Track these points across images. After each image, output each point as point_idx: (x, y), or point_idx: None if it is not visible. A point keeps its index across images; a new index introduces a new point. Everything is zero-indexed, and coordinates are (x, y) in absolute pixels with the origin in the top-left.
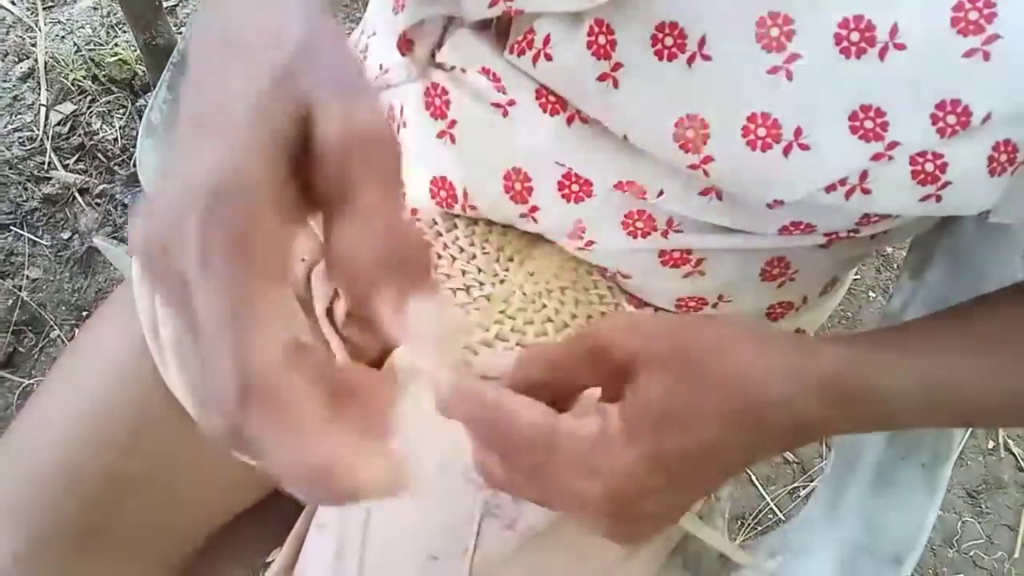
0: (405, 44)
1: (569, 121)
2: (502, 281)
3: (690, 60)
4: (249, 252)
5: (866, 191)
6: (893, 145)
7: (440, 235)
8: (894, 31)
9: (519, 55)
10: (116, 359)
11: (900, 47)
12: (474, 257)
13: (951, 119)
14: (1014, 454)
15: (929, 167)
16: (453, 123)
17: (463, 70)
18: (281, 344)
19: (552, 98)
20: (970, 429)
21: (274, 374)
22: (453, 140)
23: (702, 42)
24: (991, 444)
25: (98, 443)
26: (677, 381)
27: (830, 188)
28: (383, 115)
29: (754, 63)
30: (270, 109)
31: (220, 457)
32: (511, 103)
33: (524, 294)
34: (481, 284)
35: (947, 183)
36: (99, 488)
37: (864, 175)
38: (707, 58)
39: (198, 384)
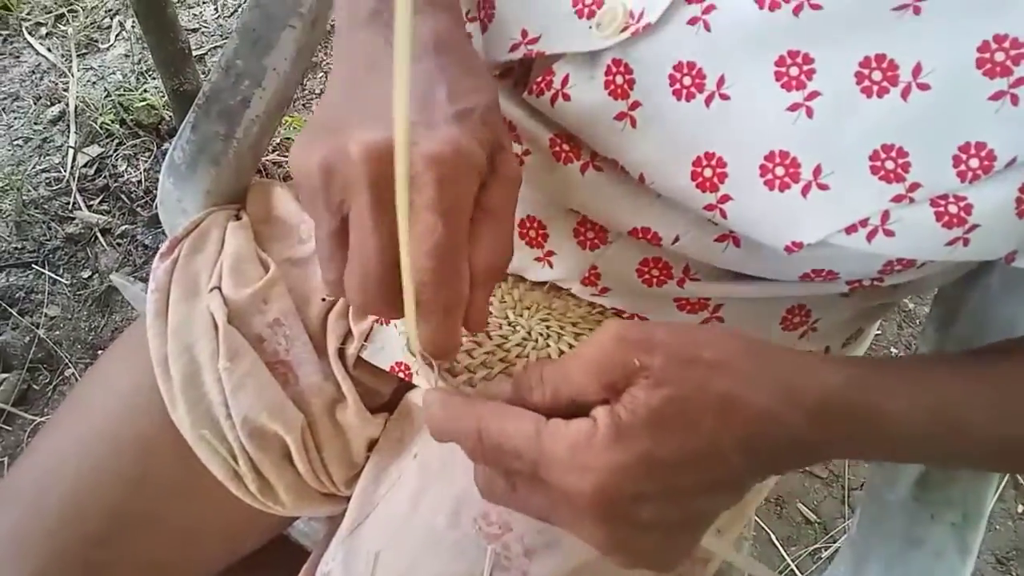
0: None
1: (583, 170)
2: (510, 323)
3: (708, 100)
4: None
5: (889, 233)
6: (914, 187)
7: None
8: (917, 70)
9: (538, 96)
10: (125, 395)
11: (923, 87)
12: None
13: (974, 163)
14: None
15: (953, 209)
16: None
17: None
18: None
19: (566, 147)
20: (999, 491)
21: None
22: None
23: (721, 81)
24: (1020, 508)
25: (104, 479)
26: (676, 393)
27: (851, 230)
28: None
29: (773, 101)
30: None
31: (225, 498)
32: (527, 153)
33: (528, 334)
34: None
35: (975, 226)
36: (103, 524)
37: (886, 216)
38: (725, 97)
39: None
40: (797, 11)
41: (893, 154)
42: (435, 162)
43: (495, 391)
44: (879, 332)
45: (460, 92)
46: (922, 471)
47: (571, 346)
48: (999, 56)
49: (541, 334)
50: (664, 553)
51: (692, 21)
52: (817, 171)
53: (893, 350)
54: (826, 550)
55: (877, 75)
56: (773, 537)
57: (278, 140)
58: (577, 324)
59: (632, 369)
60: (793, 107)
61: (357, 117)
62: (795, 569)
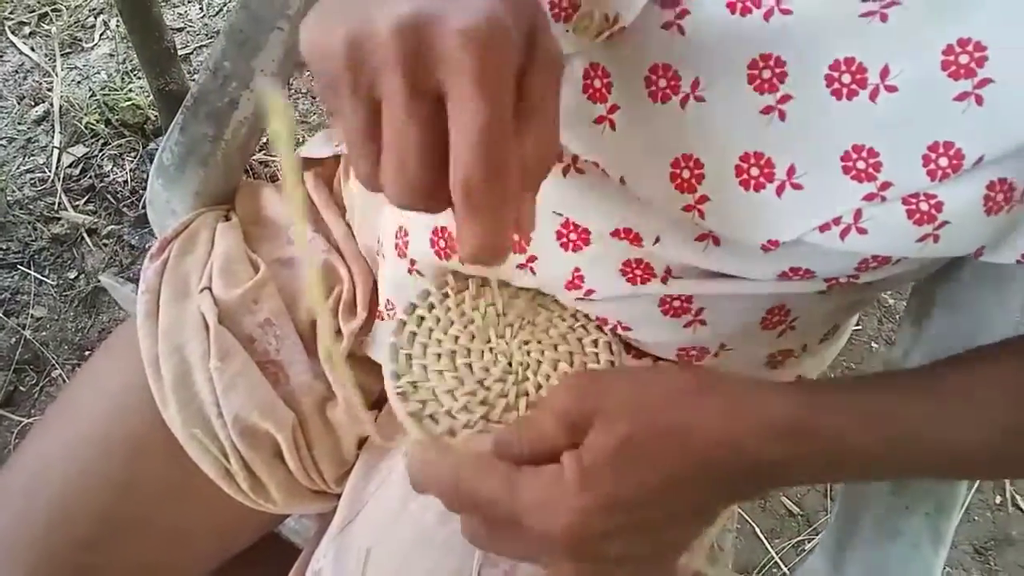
0: None
1: (565, 172)
2: (491, 349)
3: (683, 101)
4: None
5: (862, 231)
6: (886, 186)
7: (447, 296)
8: (885, 73)
9: None
10: (116, 395)
11: (891, 89)
12: (472, 322)
13: (943, 161)
14: (1022, 509)
15: (924, 207)
16: None
17: None
18: None
19: None
20: (976, 482)
21: None
22: None
23: (696, 83)
24: (999, 499)
25: (93, 482)
26: (630, 431)
27: (824, 228)
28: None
29: (747, 104)
30: None
31: (216, 497)
32: None
33: (509, 364)
34: (468, 351)
35: (945, 223)
36: (92, 528)
37: (858, 215)
38: (700, 99)
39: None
40: (768, 16)
41: (864, 154)
42: (471, 38)
43: (476, 448)
44: (859, 327)
45: None
46: None
47: (548, 378)
48: (963, 59)
49: (521, 364)
50: None
51: (666, 25)
52: (791, 171)
53: (874, 345)
54: (809, 542)
55: (846, 78)
56: (757, 530)
57: (265, 140)
58: (558, 346)
59: (589, 410)
60: (766, 110)
61: None
62: (779, 561)
